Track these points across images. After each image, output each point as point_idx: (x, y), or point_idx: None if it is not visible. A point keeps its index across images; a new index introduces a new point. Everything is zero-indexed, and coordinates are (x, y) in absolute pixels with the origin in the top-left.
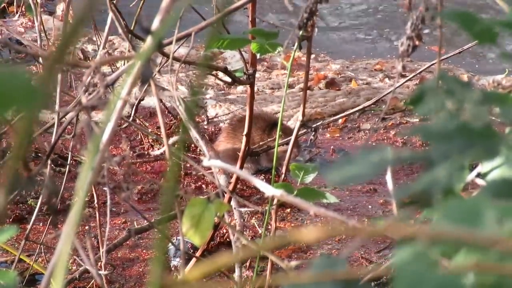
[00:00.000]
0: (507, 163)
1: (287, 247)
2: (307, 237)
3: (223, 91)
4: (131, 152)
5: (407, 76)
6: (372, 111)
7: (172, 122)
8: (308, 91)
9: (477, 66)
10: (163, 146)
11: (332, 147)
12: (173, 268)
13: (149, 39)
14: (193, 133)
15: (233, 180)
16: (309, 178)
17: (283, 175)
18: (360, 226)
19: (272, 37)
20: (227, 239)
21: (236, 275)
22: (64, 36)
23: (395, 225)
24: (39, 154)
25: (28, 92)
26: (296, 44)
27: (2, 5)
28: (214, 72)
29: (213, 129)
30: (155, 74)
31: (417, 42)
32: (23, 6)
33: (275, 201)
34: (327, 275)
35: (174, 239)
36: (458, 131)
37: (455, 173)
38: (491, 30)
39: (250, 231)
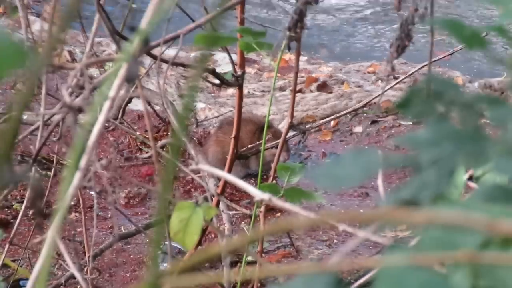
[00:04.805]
0: (496, 168)
1: (277, 253)
2: (297, 224)
3: (212, 94)
4: (119, 156)
5: (400, 78)
6: (365, 114)
7: (160, 125)
8: (299, 93)
9: (475, 70)
10: (151, 149)
11: (323, 150)
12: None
13: (135, 39)
14: (182, 136)
15: (221, 183)
16: (296, 178)
17: (271, 178)
18: (348, 214)
19: (259, 36)
20: None
21: (224, 280)
22: (51, 36)
23: (386, 210)
24: (25, 158)
25: (16, 51)
26: (283, 44)
27: None
28: (204, 74)
29: (202, 133)
30: (143, 76)
31: (406, 43)
32: (7, 8)
33: (262, 204)
34: (317, 268)
35: (161, 244)
36: (445, 136)
37: (443, 178)
38: (480, 35)
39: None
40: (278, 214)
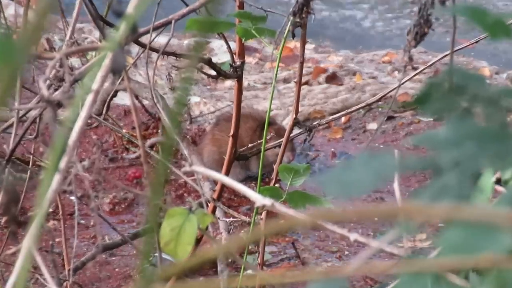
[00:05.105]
0: None
1: (280, 265)
2: (303, 222)
3: (208, 87)
4: (103, 156)
5: (419, 69)
6: (380, 109)
7: (150, 121)
8: (306, 86)
9: (503, 59)
10: (139, 148)
11: (333, 150)
12: None
13: (121, 25)
14: (174, 134)
15: (217, 187)
16: (300, 181)
17: (273, 181)
18: (363, 208)
19: (259, 21)
20: None
21: None
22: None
23: (405, 206)
24: None
25: (7, 46)
26: (287, 31)
27: None
28: (198, 65)
29: (196, 130)
30: (130, 67)
31: (426, 29)
32: None
33: (263, 210)
34: (325, 276)
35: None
36: (468, 134)
37: (465, 181)
38: (505, 23)
39: None
40: (282, 221)
